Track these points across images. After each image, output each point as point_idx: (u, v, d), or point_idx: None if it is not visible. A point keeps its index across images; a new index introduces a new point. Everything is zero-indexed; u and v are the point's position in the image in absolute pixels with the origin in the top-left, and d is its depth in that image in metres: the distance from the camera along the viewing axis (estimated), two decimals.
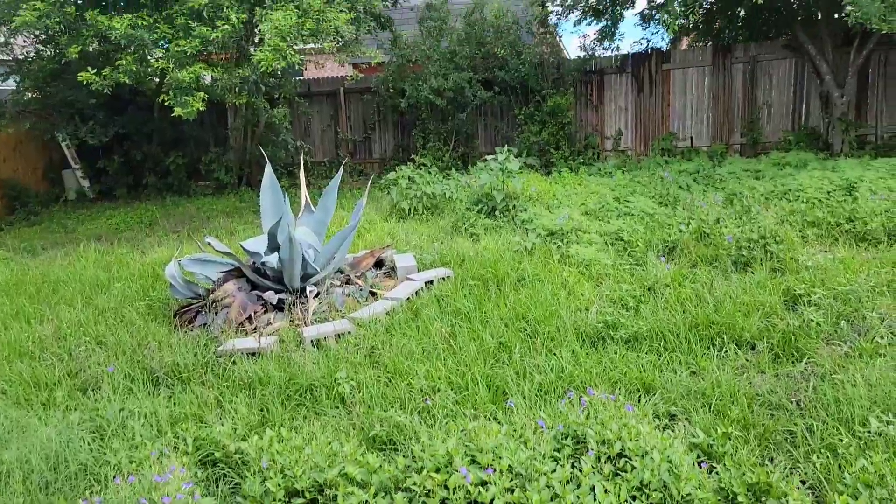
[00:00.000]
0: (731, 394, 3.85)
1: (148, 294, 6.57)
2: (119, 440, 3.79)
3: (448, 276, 6.41)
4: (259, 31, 9.86)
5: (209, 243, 5.76)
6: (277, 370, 4.51)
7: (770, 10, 12.51)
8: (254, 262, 6.18)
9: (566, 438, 3.29)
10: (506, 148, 8.87)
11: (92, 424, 4.02)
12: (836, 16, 11.72)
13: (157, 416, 4.02)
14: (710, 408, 3.78)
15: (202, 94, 9.14)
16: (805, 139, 12.34)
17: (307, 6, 9.40)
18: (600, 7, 13.26)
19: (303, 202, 6.96)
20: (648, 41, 14.01)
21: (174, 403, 4.23)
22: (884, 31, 8.88)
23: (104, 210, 12.49)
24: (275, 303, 5.89)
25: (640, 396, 4.00)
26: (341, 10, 9.82)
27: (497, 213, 8.30)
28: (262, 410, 4.07)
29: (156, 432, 3.88)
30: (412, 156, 13.52)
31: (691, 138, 13.52)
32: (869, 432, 3.32)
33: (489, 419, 3.83)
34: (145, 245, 9.08)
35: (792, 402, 3.81)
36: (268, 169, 6.58)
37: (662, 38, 14.08)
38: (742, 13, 13.90)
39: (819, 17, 11.95)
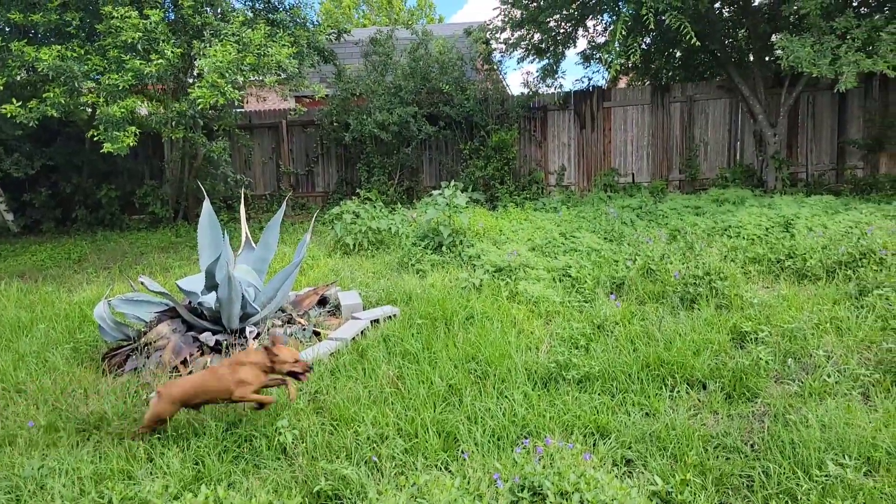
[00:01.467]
0: (687, 437, 3.77)
1: (74, 336, 6.17)
2: (37, 502, 3.45)
3: (395, 315, 6.23)
4: (196, 64, 9.62)
5: (142, 282, 5.45)
6: (213, 418, 4.22)
7: (705, 51, 12.94)
8: (190, 302, 5.89)
9: (523, 491, 3.14)
10: (452, 183, 8.80)
11: (8, 484, 3.66)
12: (766, 59, 12.22)
13: (79, 473, 3.68)
14: (666, 452, 3.69)
15: (134, 128, 8.77)
16: (740, 176, 12.71)
17: (248, 40, 9.22)
18: (542, 46, 13.47)
19: (243, 238, 6.70)
20: (590, 79, 14.28)
21: (99, 458, 3.90)
22: (813, 75, 9.22)
23: (29, 245, 11.88)
24: (212, 344, 5.60)
25: (595, 441, 3.89)
26: (283, 45, 9.67)
27: (444, 248, 8.19)
28: (196, 464, 3.77)
29: (78, 492, 3.55)
30: (356, 189, 13.37)
31: (632, 174, 13.77)
32: (826, 476, 3.28)
33: (441, 469, 3.65)
34: (73, 283, 8.62)
35: (746, 445, 3.76)
36: (206, 204, 6.32)
37: (603, 77, 14.39)
38: (678, 54, 14.37)
39: (751, 60, 12.41)
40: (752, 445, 3.75)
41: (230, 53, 8.59)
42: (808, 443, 3.52)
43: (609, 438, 3.88)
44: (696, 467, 3.51)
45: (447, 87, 13.36)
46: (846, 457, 3.39)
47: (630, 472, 3.57)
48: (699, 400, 4.33)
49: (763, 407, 4.15)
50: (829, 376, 4.38)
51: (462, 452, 3.74)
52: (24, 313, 7.01)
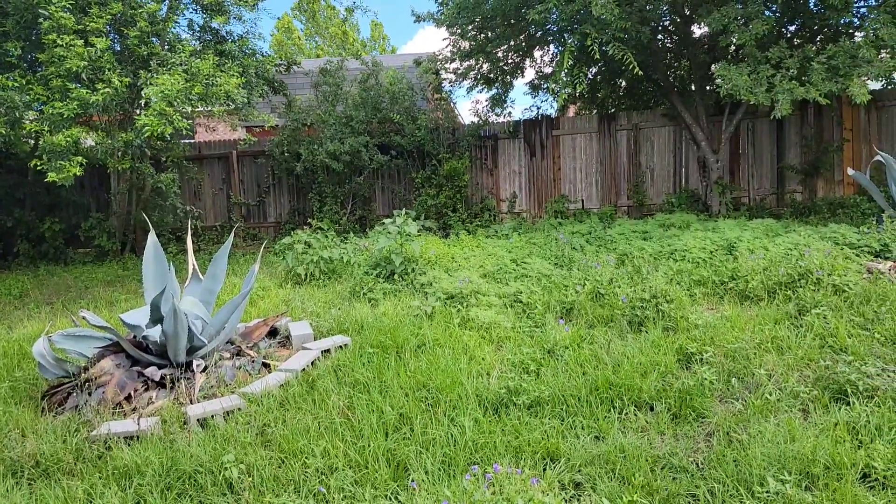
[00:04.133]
0: (635, 458, 3.81)
1: (12, 374, 5.96)
2: None
3: (346, 344, 6.18)
4: (143, 93, 9.52)
5: (84, 317, 5.31)
6: (157, 455, 4.11)
7: (649, 81, 13.33)
8: (134, 336, 5.75)
9: None
10: (404, 211, 8.83)
11: None
12: (707, 88, 12.64)
13: None
14: (614, 474, 3.72)
15: (80, 158, 8.61)
16: (686, 201, 13.05)
17: (195, 70, 9.17)
18: (491, 76, 13.72)
19: (190, 270, 6.59)
20: (538, 108, 14.56)
21: (35, 501, 3.75)
22: (751, 102, 9.56)
23: None
24: (157, 379, 5.46)
25: (545, 465, 3.90)
26: (232, 75, 9.64)
27: (396, 276, 8.18)
28: (138, 503, 3.67)
29: None
30: (308, 219, 13.30)
31: (582, 200, 14.02)
32: (768, 492, 3.34)
33: (390, 499, 3.61)
34: (13, 319, 8.33)
35: (692, 464, 3.81)
36: (151, 236, 6.20)
37: (551, 106, 14.69)
38: (623, 84, 14.77)
39: (693, 89, 12.83)
40: (697, 465, 3.80)
41: (178, 82, 8.52)
42: (751, 460, 3.59)
43: (559, 462, 3.89)
44: (644, 488, 3.54)
45: (398, 116, 13.48)
46: (786, 473, 3.46)
47: (579, 496, 3.59)
48: (647, 421, 4.39)
49: (708, 426, 4.23)
50: (770, 394, 4.49)
51: (412, 481, 3.71)
52: None
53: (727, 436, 4.01)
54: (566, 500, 3.42)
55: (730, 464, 3.65)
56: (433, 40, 60.73)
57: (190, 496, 3.74)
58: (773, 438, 3.80)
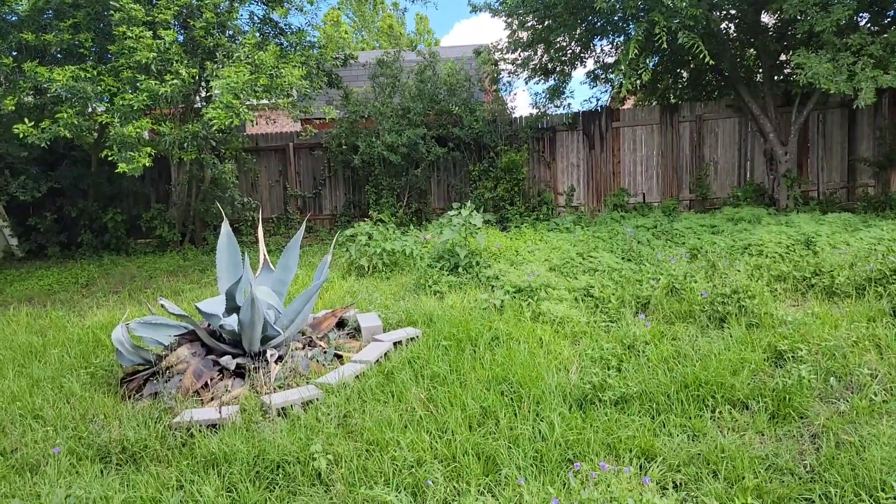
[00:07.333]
0: (738, 459, 3.63)
1: (89, 361, 6.03)
2: None
3: (417, 336, 6.10)
4: (210, 85, 9.56)
5: (162, 305, 5.32)
6: (244, 444, 4.08)
7: (713, 71, 12.94)
8: (209, 325, 5.75)
9: None
10: (469, 203, 8.71)
11: None
12: (776, 78, 12.21)
13: (109, 501, 3.53)
14: (718, 475, 3.55)
15: (149, 149, 8.71)
16: (751, 194, 12.66)
17: (260, 62, 9.18)
18: (549, 66, 13.50)
19: (261, 260, 6.58)
20: (598, 99, 14.30)
21: (127, 486, 3.74)
22: (831, 91, 9.17)
23: (35, 270, 11.74)
24: (233, 368, 5.45)
25: (641, 464, 3.74)
26: (295, 66, 9.63)
27: (460, 269, 8.07)
28: (230, 491, 3.63)
29: None
30: (366, 212, 13.28)
31: (643, 194, 13.70)
32: (893, 498, 3.13)
33: (483, 493, 3.50)
34: (82, 307, 8.47)
35: (800, 466, 3.61)
36: (225, 226, 6.21)
37: (611, 97, 14.38)
38: (685, 75, 14.39)
39: (760, 79, 12.40)
40: (806, 467, 3.60)
41: (244, 74, 8.53)
42: (870, 464, 3.38)
43: (655, 461, 3.73)
44: (753, 491, 3.36)
45: (456, 108, 13.34)
46: None
47: (686, 498, 3.42)
48: (743, 420, 4.19)
49: (811, 427, 4.01)
50: (875, 395, 4.25)
51: (505, 477, 3.60)
52: (35, 338, 6.87)
53: (836, 437, 3.79)
54: (678, 502, 3.26)
55: (844, 467, 3.44)
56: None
57: (280, 485, 3.69)
58: (890, 441, 3.57)
